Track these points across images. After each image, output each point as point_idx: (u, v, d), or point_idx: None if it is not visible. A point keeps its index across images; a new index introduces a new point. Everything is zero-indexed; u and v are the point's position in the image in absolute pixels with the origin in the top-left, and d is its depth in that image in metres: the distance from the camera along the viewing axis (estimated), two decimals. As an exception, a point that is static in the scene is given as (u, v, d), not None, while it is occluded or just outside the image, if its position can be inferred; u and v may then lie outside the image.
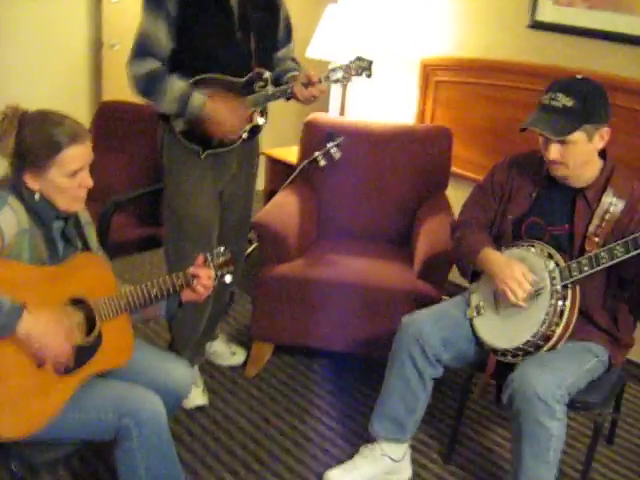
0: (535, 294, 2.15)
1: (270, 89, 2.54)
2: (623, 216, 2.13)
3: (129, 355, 1.96)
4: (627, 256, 1.98)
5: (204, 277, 2.02)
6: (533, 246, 2.22)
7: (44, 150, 1.78)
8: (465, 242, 2.38)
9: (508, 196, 2.35)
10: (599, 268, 2.05)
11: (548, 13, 3.20)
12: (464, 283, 2.52)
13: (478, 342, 2.31)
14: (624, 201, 2.13)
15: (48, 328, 1.71)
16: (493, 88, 3.45)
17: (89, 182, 1.87)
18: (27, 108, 1.84)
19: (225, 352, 3.12)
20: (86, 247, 2.00)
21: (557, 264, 2.13)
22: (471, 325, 2.33)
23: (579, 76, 2.17)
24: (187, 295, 2.06)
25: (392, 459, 2.42)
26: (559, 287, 2.11)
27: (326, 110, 3.85)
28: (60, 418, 1.78)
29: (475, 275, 2.40)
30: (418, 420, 2.42)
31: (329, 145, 3.21)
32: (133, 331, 1.99)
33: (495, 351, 2.24)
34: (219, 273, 2.07)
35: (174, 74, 2.41)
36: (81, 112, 4.38)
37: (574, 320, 2.13)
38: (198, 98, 2.39)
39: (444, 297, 2.82)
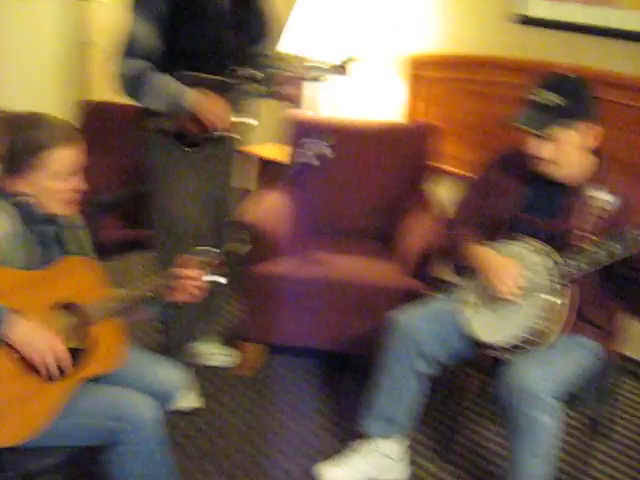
0: (531, 290, 2.14)
1: (257, 88, 2.53)
2: (619, 214, 2.12)
3: (121, 359, 1.93)
4: (626, 255, 1.97)
5: (195, 277, 1.99)
6: (529, 243, 2.21)
7: (30, 152, 1.77)
8: (457, 239, 2.38)
9: (500, 193, 2.34)
10: (598, 267, 2.04)
11: (538, 8, 3.18)
12: (451, 279, 2.51)
13: (470, 338, 2.30)
14: (619, 199, 2.13)
15: (34, 333, 1.69)
16: (481, 84, 3.44)
17: (80, 185, 1.84)
18: (14, 110, 1.82)
19: (219, 353, 3.10)
20: (79, 251, 1.96)
21: (555, 262, 2.12)
22: (463, 322, 2.32)
23: (568, 73, 2.17)
24: (180, 297, 2.03)
25: (388, 456, 2.42)
26: (557, 285, 2.10)
27: (309, 108, 3.83)
28: (55, 424, 1.75)
29: (467, 271, 2.39)
30: (413, 417, 2.41)
31: (322, 144, 3.19)
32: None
33: (488, 347, 2.24)
34: (212, 274, 2.05)
35: (162, 73, 2.40)
36: (65, 113, 4.33)
37: (571, 318, 2.12)
38: (189, 93, 2.39)
39: (430, 293, 2.82)
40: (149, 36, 2.37)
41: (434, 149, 3.36)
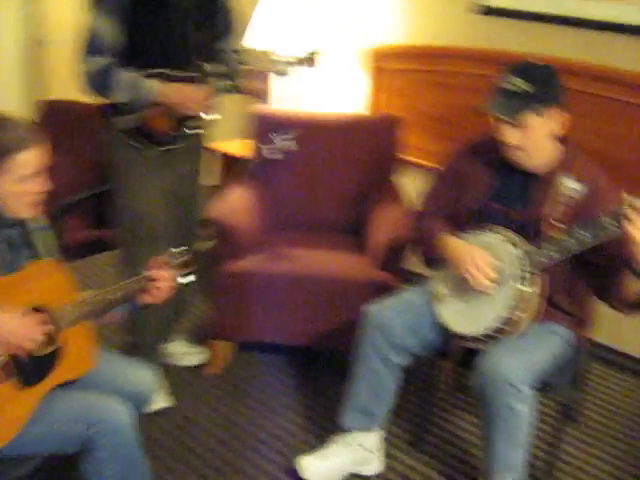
0: (502, 280, 2.15)
1: (222, 83, 2.51)
2: (587, 202, 2.13)
3: (92, 363, 1.89)
4: (596, 242, 1.97)
5: (166, 279, 1.96)
6: (499, 233, 2.21)
7: None
8: (426, 231, 2.38)
9: (468, 183, 2.34)
10: (569, 255, 2.05)
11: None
12: (422, 271, 2.52)
13: (443, 329, 2.30)
14: (586, 186, 2.14)
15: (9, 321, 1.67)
16: (444, 75, 3.45)
17: (45, 187, 1.79)
18: None
19: (187, 352, 3.07)
20: (46, 253, 1.91)
21: (525, 251, 2.12)
22: (435, 313, 2.32)
23: (535, 60, 2.18)
24: (148, 298, 1.99)
25: (367, 449, 2.42)
26: (528, 274, 2.11)
27: (273, 102, 3.81)
28: (24, 432, 1.71)
29: (437, 263, 2.39)
30: (388, 409, 2.41)
31: (286, 138, 3.16)
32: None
33: (461, 337, 2.24)
34: (181, 274, 2.02)
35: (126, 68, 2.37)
36: (22, 112, 4.25)
37: (542, 306, 2.14)
38: (152, 82, 2.38)
39: (401, 285, 2.82)
40: (111, 32, 2.34)
41: (399, 141, 3.35)
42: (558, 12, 3.01)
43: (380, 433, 2.46)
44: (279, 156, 3.19)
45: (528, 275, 2.10)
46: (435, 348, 2.37)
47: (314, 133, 3.34)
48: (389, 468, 2.50)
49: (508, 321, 2.11)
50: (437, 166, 2.58)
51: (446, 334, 2.29)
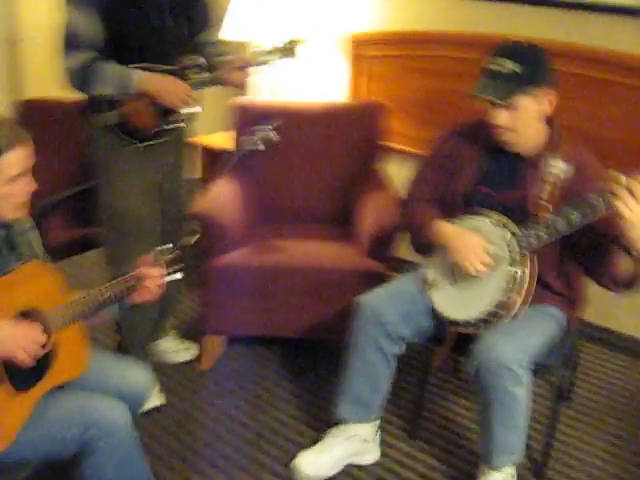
0: (494, 264, 2.14)
1: (203, 76, 2.49)
2: (574, 182, 2.12)
3: (85, 364, 1.87)
4: (585, 222, 1.97)
5: (156, 276, 1.93)
6: (488, 216, 2.20)
7: None
8: (416, 218, 2.37)
9: (456, 167, 2.33)
10: (558, 236, 2.05)
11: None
12: (412, 258, 2.51)
13: (437, 316, 2.30)
14: (573, 166, 2.13)
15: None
16: (425, 60, 3.43)
17: (32, 186, 1.76)
18: None
19: (177, 348, 3.04)
20: (32, 254, 1.88)
21: (513, 233, 2.12)
22: (429, 300, 2.32)
23: (522, 41, 2.17)
24: (139, 296, 1.97)
25: (364, 440, 2.41)
26: (518, 256, 2.10)
27: (253, 93, 3.78)
28: (20, 438, 1.68)
29: (427, 249, 2.38)
30: (384, 398, 2.40)
31: (267, 128, 3.14)
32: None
33: (455, 323, 2.24)
34: (169, 271, 2.00)
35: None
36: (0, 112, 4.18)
37: (532, 288, 2.13)
38: (137, 73, 2.36)
39: (392, 273, 2.81)
40: (90, 27, 2.31)
41: (383, 128, 3.34)
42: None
43: (376, 422, 2.46)
44: (260, 147, 3.17)
45: (519, 257, 2.10)
46: (429, 335, 2.36)
47: (296, 123, 3.31)
48: (385, 455, 2.50)
49: (502, 304, 2.11)
50: (421, 152, 2.57)
51: (440, 321, 2.29)
